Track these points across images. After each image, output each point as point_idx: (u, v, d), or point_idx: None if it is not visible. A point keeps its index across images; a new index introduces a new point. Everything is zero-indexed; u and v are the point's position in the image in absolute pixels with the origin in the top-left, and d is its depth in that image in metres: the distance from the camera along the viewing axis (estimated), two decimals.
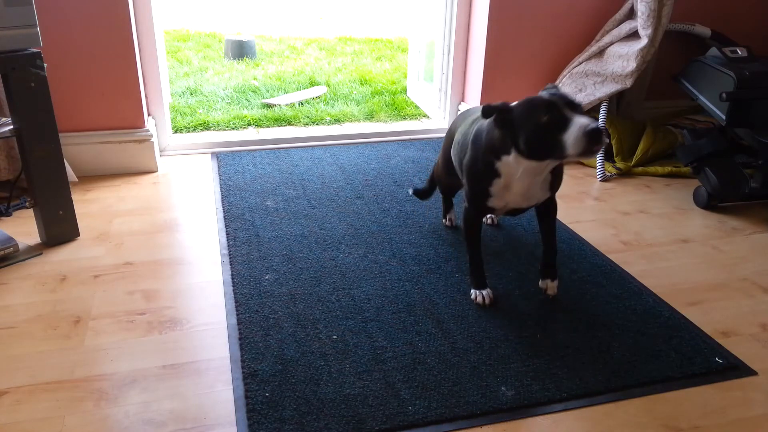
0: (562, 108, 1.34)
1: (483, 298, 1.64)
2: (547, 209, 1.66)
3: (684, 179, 2.52)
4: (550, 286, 1.68)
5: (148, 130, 2.48)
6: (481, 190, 1.56)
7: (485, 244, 1.93)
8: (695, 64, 2.42)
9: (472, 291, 1.66)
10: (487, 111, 1.43)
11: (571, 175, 2.56)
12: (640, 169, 2.58)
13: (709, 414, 1.29)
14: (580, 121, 1.30)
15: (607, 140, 1.30)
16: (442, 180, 1.96)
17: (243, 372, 1.37)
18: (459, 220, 2.07)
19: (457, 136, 1.74)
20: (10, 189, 2.18)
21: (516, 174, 1.49)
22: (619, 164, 2.58)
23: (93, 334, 1.50)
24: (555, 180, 1.58)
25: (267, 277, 1.75)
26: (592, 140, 1.28)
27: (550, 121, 1.33)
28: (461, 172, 1.68)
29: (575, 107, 1.36)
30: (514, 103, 1.44)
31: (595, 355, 1.45)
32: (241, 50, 4.73)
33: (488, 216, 2.02)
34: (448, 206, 2.07)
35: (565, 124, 1.32)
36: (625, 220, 2.17)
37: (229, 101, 3.57)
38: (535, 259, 1.86)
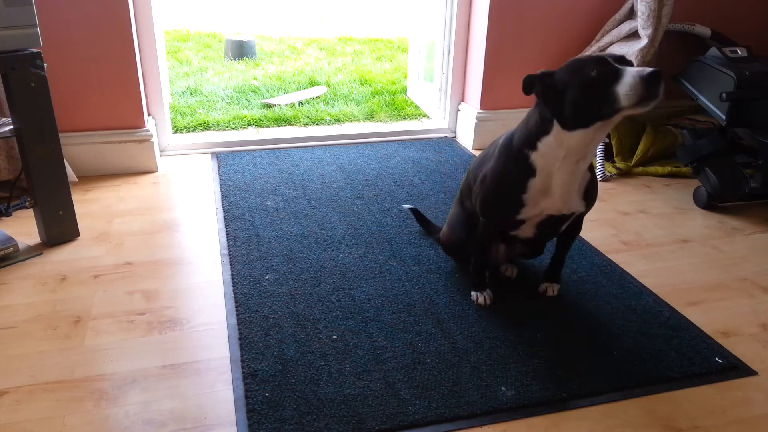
0: (611, 62, 1.27)
1: (484, 298, 1.63)
2: (573, 228, 1.60)
3: (684, 179, 2.52)
4: (550, 287, 1.69)
5: (148, 130, 2.48)
6: (512, 200, 1.45)
7: None
8: (695, 64, 2.42)
9: (473, 292, 1.66)
10: (528, 80, 1.36)
11: None
12: (640, 169, 2.58)
13: (709, 414, 1.29)
14: (634, 70, 1.23)
15: (662, 91, 1.20)
16: (462, 242, 1.71)
17: (243, 372, 1.37)
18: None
19: (471, 168, 1.65)
20: (10, 189, 2.18)
21: (556, 162, 1.39)
22: (619, 164, 2.58)
23: (93, 334, 1.50)
24: (591, 186, 1.50)
25: (267, 277, 1.75)
26: (651, 84, 1.19)
27: (600, 73, 1.26)
28: (478, 195, 1.55)
29: (625, 62, 1.28)
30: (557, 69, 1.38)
31: (595, 355, 1.45)
32: (241, 50, 4.73)
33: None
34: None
35: (617, 75, 1.24)
36: (625, 220, 2.17)
37: (229, 101, 3.57)
38: (536, 259, 1.85)
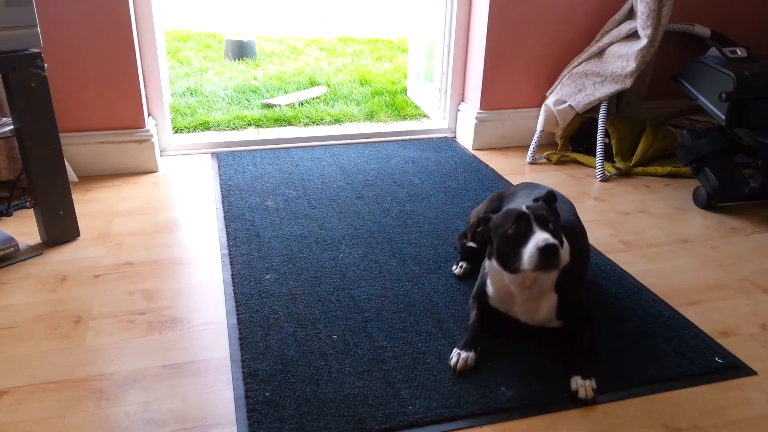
0: (530, 221, 1.34)
1: (458, 360, 1.40)
2: (574, 325, 1.47)
3: (684, 179, 2.53)
4: (581, 385, 1.33)
5: (148, 130, 2.48)
6: (480, 285, 1.54)
7: None
8: (695, 65, 2.42)
9: (455, 349, 1.43)
10: (477, 221, 1.47)
11: (571, 175, 2.56)
12: (639, 169, 2.58)
13: (708, 414, 1.29)
14: (538, 236, 1.30)
15: (558, 262, 1.30)
16: None
17: (243, 372, 1.37)
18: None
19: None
20: (11, 189, 2.19)
21: (501, 282, 1.45)
22: (619, 164, 2.58)
23: (93, 334, 1.50)
24: (563, 306, 1.43)
25: (267, 277, 1.75)
26: (543, 256, 1.27)
27: (515, 233, 1.34)
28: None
29: (545, 222, 1.34)
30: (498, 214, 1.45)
31: (595, 355, 1.45)
32: (241, 50, 4.73)
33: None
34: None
35: (526, 238, 1.32)
36: (624, 220, 2.17)
37: (230, 101, 3.57)
38: None
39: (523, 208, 1.38)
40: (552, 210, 1.44)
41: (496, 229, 1.41)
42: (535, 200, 1.48)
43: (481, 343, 1.44)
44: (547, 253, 1.28)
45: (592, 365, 1.39)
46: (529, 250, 1.30)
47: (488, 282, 1.49)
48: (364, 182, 2.42)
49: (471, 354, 1.41)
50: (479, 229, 1.46)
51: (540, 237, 1.30)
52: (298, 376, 1.36)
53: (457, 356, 1.41)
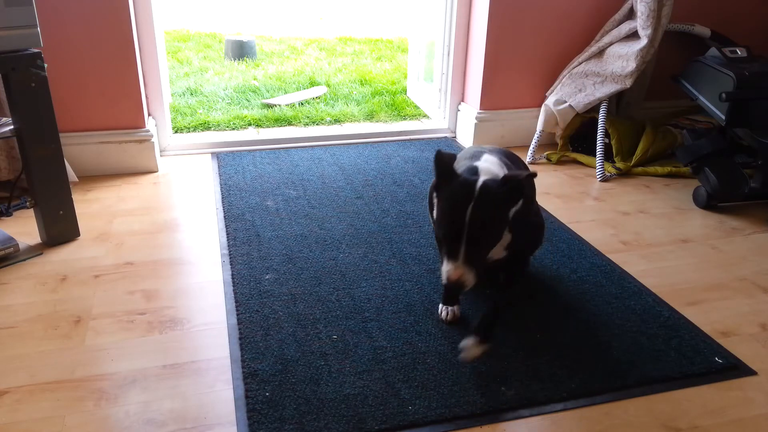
0: (459, 239, 1.24)
1: (446, 314, 1.55)
2: (511, 266, 1.51)
3: (684, 179, 2.53)
4: (470, 347, 1.36)
5: (148, 130, 2.48)
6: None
7: None
8: (695, 65, 2.42)
9: (440, 306, 1.58)
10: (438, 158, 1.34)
11: (571, 175, 2.56)
12: (639, 169, 2.58)
13: (708, 414, 1.29)
14: (445, 267, 1.26)
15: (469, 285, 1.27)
16: None
17: (243, 372, 1.37)
18: None
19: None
20: (11, 189, 2.19)
21: None
22: (619, 164, 2.58)
23: (93, 334, 1.50)
24: (516, 238, 1.42)
25: (267, 277, 1.75)
26: (448, 289, 1.29)
27: (438, 237, 1.31)
28: None
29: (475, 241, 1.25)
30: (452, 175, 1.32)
31: (595, 355, 1.45)
32: (241, 50, 4.73)
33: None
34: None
35: (443, 251, 1.28)
36: (624, 220, 2.17)
37: (230, 101, 3.57)
38: (535, 258, 1.86)
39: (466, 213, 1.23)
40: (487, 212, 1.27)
41: (439, 195, 1.30)
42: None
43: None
44: (451, 287, 1.27)
45: (491, 332, 1.41)
46: (442, 269, 1.27)
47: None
48: (364, 182, 2.42)
49: (456, 306, 1.55)
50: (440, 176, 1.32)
51: (445, 268, 1.26)
52: (298, 376, 1.36)
53: (446, 310, 1.54)
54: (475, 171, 1.34)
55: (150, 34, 2.46)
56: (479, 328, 1.39)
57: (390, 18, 7.13)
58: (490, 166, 1.37)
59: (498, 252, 1.44)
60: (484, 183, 1.26)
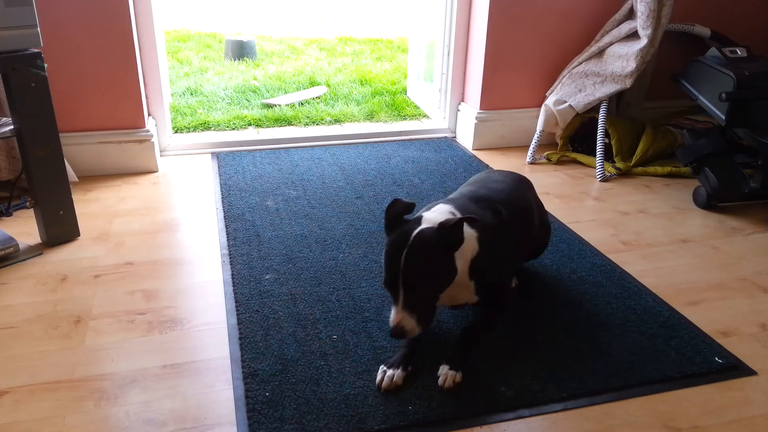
0: (397, 287, 1.27)
1: (382, 379, 1.33)
2: (485, 302, 1.48)
3: (684, 179, 2.53)
4: (447, 374, 1.33)
5: (148, 130, 2.48)
6: None
7: None
8: (695, 65, 2.42)
9: (381, 367, 1.36)
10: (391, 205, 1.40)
11: (571, 176, 2.56)
12: (639, 169, 2.58)
13: (708, 414, 1.29)
14: (392, 314, 1.28)
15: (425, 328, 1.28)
16: None
17: (243, 372, 1.37)
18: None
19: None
20: (11, 189, 2.19)
21: None
22: (619, 164, 2.58)
23: (93, 334, 1.50)
24: (481, 286, 1.42)
25: (267, 277, 1.75)
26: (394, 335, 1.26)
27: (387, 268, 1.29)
28: None
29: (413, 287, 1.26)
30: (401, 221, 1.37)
31: (595, 355, 1.45)
32: (241, 50, 4.73)
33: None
34: None
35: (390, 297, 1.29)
36: (624, 220, 2.17)
37: (230, 101, 3.57)
38: (536, 258, 1.86)
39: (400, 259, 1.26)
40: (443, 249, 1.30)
41: (387, 232, 1.35)
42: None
43: (413, 361, 1.37)
44: (393, 333, 1.27)
45: (465, 360, 1.38)
46: (390, 317, 1.28)
47: None
48: (364, 182, 2.42)
49: (398, 371, 1.33)
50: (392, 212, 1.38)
51: (392, 316, 1.27)
52: (298, 376, 1.36)
53: (383, 374, 1.33)
54: (418, 220, 1.37)
55: (150, 34, 2.46)
56: (453, 356, 1.38)
57: (390, 18, 7.13)
58: (436, 215, 1.39)
59: (469, 297, 1.44)
60: (420, 231, 1.30)
